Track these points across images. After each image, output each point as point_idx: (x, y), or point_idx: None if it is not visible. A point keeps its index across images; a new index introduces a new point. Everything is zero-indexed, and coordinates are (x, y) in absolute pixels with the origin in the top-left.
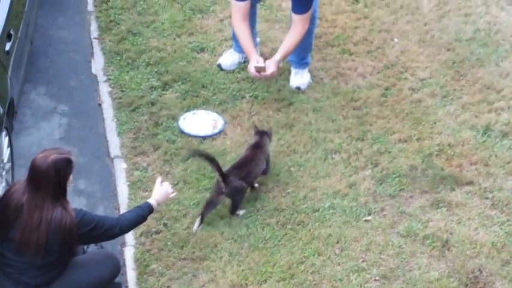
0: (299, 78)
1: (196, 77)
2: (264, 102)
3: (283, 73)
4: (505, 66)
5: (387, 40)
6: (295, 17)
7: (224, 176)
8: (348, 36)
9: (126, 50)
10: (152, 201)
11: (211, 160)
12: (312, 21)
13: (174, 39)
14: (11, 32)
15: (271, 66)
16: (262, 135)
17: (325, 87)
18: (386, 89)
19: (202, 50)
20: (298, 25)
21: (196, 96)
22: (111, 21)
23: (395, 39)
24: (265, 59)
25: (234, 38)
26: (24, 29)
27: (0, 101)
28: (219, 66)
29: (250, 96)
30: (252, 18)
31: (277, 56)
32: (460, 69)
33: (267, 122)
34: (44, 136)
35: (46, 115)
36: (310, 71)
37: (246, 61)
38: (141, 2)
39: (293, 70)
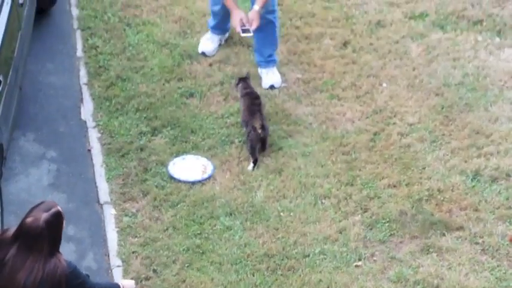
0: (270, 76)
1: (186, 122)
2: None
3: (269, 117)
4: (493, 110)
5: (376, 85)
6: None
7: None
8: (336, 82)
9: (115, 95)
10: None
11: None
12: (273, 14)
13: (163, 84)
14: (0, 78)
15: (254, 20)
16: (247, 81)
17: (314, 132)
18: (375, 134)
19: (191, 95)
20: None
21: (186, 142)
22: (100, 66)
23: (384, 84)
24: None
25: (212, 19)
26: (14, 74)
27: None
28: (203, 54)
29: (239, 141)
30: None
31: (256, 6)
32: (449, 114)
33: (257, 167)
34: (33, 182)
35: (35, 161)
36: (298, 116)
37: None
38: (130, 48)
39: (263, 70)
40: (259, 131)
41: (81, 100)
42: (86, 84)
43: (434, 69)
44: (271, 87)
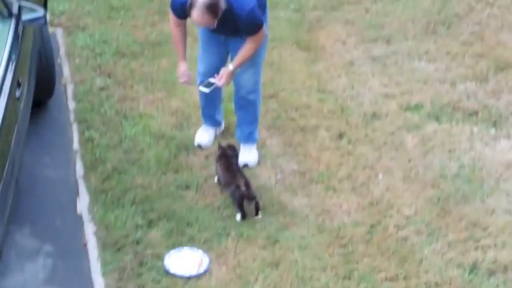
0: (247, 154)
1: (182, 215)
2: (249, 239)
3: (265, 209)
4: (490, 202)
5: (372, 176)
6: (250, 37)
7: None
8: (332, 173)
9: (111, 188)
10: None
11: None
12: (254, 94)
13: (160, 176)
14: None
15: (223, 77)
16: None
17: (311, 224)
18: (372, 226)
19: (187, 187)
20: (251, 40)
21: (182, 234)
22: (96, 159)
23: (380, 176)
24: None
25: (203, 114)
26: (10, 168)
27: None
28: (199, 146)
29: (236, 234)
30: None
31: (231, 66)
32: (445, 205)
33: (253, 260)
34: (28, 277)
35: (31, 256)
36: (295, 208)
37: (221, 134)
38: (127, 140)
39: (241, 147)
40: (243, 188)
41: (77, 193)
42: (82, 177)
43: (430, 160)
44: (245, 165)
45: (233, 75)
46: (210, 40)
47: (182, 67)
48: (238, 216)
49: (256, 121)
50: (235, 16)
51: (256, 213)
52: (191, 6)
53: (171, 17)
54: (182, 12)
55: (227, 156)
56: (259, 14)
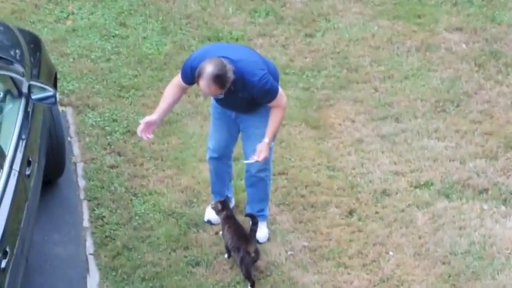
0: (258, 231)
1: None
2: None
3: (276, 285)
4: (501, 279)
5: (382, 253)
6: (271, 104)
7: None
8: (342, 250)
9: (121, 265)
10: None
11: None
12: (265, 172)
13: (170, 253)
14: (7, 249)
15: (262, 152)
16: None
17: None
18: None
19: (197, 263)
20: (275, 106)
21: None
22: (106, 236)
23: (391, 253)
24: None
25: (213, 190)
26: (20, 245)
27: None
28: (209, 222)
29: None
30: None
31: (266, 138)
32: (456, 282)
33: None
34: None
35: None
36: (305, 284)
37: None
38: (137, 217)
39: None
40: (253, 254)
41: (87, 270)
42: (92, 254)
43: (440, 237)
44: (256, 241)
45: (269, 146)
46: (221, 117)
47: (153, 117)
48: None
49: (267, 199)
50: (248, 84)
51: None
52: (199, 75)
53: (176, 78)
54: (190, 77)
55: (234, 218)
56: (272, 79)
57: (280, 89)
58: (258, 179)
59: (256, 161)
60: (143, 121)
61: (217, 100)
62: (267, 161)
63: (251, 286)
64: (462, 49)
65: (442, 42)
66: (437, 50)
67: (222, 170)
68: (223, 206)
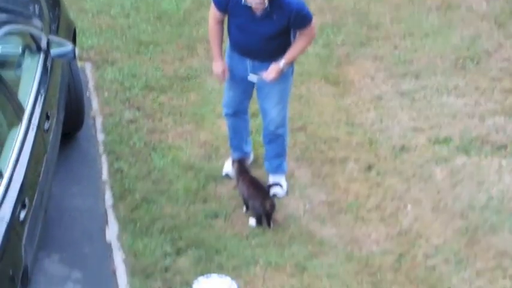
0: (277, 186)
1: (210, 243)
2: (277, 267)
3: (294, 238)
4: None
5: (400, 207)
6: (301, 31)
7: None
8: (361, 204)
9: (140, 217)
10: None
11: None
12: (283, 128)
13: (188, 206)
14: (26, 201)
15: (271, 72)
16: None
17: (339, 253)
18: (400, 255)
19: (216, 216)
20: (304, 34)
21: (210, 262)
22: (125, 190)
23: (409, 207)
24: None
25: (231, 145)
26: (39, 198)
27: (15, 269)
28: (227, 175)
29: (264, 262)
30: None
31: (283, 60)
32: (473, 236)
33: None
34: None
35: (59, 282)
36: (323, 237)
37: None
38: (156, 171)
39: (270, 177)
40: (268, 207)
41: (106, 222)
42: (111, 207)
43: (458, 192)
44: (274, 195)
45: (282, 72)
46: (234, 73)
47: (220, 66)
48: (253, 221)
49: (284, 154)
50: (285, 5)
51: (268, 225)
52: None
53: (211, 12)
54: (224, 2)
55: (248, 172)
56: (307, 7)
57: (314, 19)
58: (276, 135)
59: (262, 79)
60: (219, 73)
61: (237, 42)
62: (284, 117)
63: (257, 222)
64: (482, 8)
65: (463, 1)
66: (458, 8)
67: (239, 125)
68: (239, 164)
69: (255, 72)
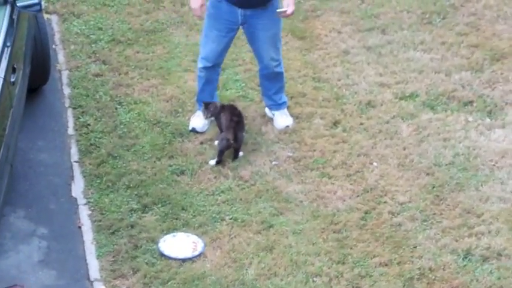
0: (285, 117)
1: (176, 200)
2: (243, 224)
3: (260, 194)
4: (484, 190)
5: (366, 164)
6: None
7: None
8: (327, 160)
9: (106, 173)
10: None
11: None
12: (280, 65)
13: (154, 162)
14: None
15: (290, 5)
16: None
17: (305, 210)
18: (366, 212)
19: (182, 172)
20: None
21: (176, 219)
22: (91, 144)
23: (375, 163)
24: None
25: (198, 99)
26: (5, 152)
27: None
28: (193, 130)
29: (230, 219)
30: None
31: None
32: (439, 193)
33: (248, 244)
34: (23, 259)
35: (25, 238)
36: (289, 194)
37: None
38: (122, 126)
39: (276, 113)
40: (232, 141)
41: (72, 178)
42: (77, 161)
43: (424, 149)
44: (287, 127)
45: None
46: (221, 24)
47: (200, 0)
48: (213, 162)
49: (284, 87)
50: None
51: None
52: None
53: None
54: None
55: (230, 112)
56: None
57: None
58: (277, 73)
59: (286, 14)
60: (195, 9)
61: None
62: (280, 53)
63: (217, 162)
64: None
65: None
66: None
67: (213, 77)
68: (207, 104)
69: (246, 20)
